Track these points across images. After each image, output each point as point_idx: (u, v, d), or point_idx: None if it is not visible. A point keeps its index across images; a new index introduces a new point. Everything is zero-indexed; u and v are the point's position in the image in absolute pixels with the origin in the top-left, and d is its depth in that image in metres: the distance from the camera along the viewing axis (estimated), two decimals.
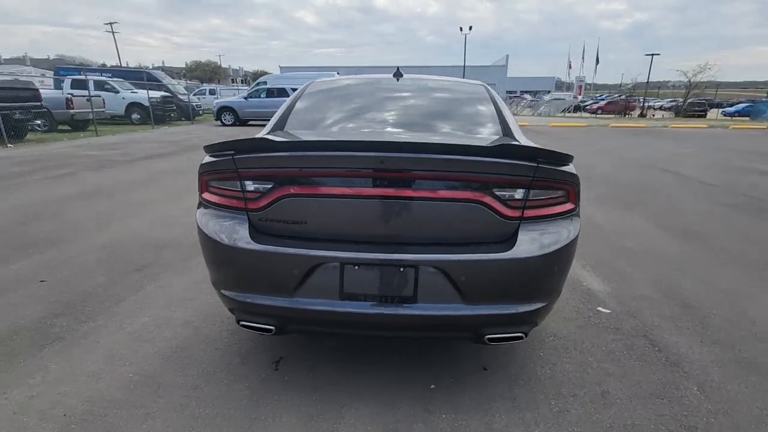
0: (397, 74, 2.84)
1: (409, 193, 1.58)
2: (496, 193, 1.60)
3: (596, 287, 2.92)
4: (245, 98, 16.57)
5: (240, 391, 1.85)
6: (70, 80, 15.54)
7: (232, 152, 1.64)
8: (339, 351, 2.15)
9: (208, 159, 1.72)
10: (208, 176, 1.75)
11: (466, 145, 1.61)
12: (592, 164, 8.20)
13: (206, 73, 79.00)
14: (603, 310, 2.62)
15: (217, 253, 1.71)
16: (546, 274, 1.67)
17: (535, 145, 1.64)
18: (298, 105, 2.50)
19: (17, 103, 10.38)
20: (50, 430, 1.62)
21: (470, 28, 33.57)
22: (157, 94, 16.61)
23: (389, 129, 2.23)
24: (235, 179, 1.67)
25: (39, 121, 11.93)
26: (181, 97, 19.03)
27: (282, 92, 15.98)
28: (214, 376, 1.95)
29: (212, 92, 24.67)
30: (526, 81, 53.80)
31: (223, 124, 16.43)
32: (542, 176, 1.61)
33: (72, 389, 1.85)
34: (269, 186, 1.64)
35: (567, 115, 30.00)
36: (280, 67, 48.60)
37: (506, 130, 2.21)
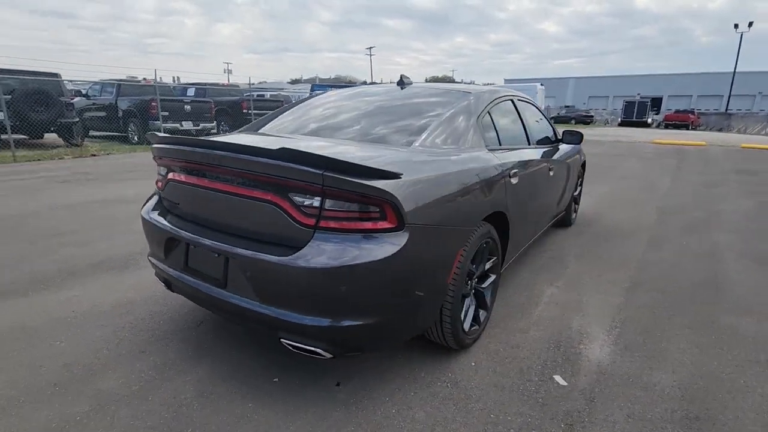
0: (400, 83, 2.86)
1: (222, 187, 1.75)
2: (292, 197, 1.60)
3: (593, 354, 2.22)
4: None
5: (154, 329, 2.37)
6: (316, 93, 19.90)
7: (154, 143, 2.15)
8: None
9: None
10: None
11: (254, 146, 1.64)
12: None
13: None
14: (559, 380, 2.02)
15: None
16: (334, 290, 1.56)
17: (325, 154, 1.54)
18: (288, 111, 2.85)
19: (265, 111, 14.02)
20: (56, 314, 2.50)
21: (750, 24, 25.82)
22: None
23: (309, 134, 2.35)
24: (157, 165, 2.18)
25: None
26: None
27: None
28: (157, 314, 2.53)
29: None
30: None
31: None
32: (335, 186, 1.52)
33: (95, 297, 2.74)
34: (165, 171, 2.08)
35: None
36: (504, 80, 48.70)
37: (421, 142, 2.04)
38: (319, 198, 1.56)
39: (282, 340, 1.68)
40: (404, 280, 1.64)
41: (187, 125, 11.54)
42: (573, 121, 34.95)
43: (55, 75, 10.12)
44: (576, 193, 4.69)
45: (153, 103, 10.87)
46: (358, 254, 1.53)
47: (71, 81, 16.49)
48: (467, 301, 2.17)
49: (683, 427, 1.74)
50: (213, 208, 1.84)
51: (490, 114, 2.55)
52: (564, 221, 4.42)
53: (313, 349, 1.64)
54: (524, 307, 2.75)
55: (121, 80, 12.53)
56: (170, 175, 2.03)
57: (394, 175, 1.57)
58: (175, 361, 2.10)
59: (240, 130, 2.72)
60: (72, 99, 12.60)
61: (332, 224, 1.56)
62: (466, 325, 2.15)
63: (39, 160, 8.49)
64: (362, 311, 1.60)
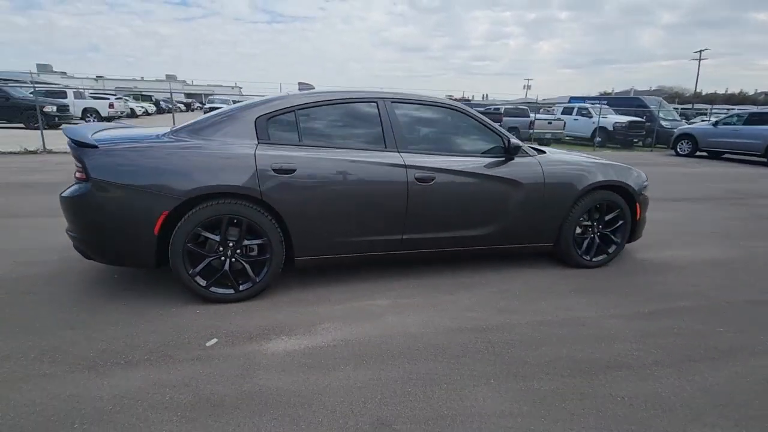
0: (300, 87, 3.41)
1: None
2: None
3: (275, 346, 2.28)
4: (713, 124, 13.25)
5: None
6: (575, 107, 18.78)
7: None
8: None
9: None
10: None
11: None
12: None
13: None
14: (211, 342, 2.30)
15: None
16: (66, 212, 2.59)
17: (80, 132, 2.52)
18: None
19: None
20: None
21: None
22: (623, 119, 16.59)
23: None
24: None
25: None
26: (663, 123, 17.60)
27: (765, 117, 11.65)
28: None
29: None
30: None
31: (677, 154, 14.09)
32: (72, 152, 2.55)
33: None
34: None
35: None
36: None
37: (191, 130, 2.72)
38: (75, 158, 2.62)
39: None
40: (94, 216, 2.48)
41: None
42: None
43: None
44: (607, 229, 3.54)
45: None
46: (71, 192, 2.51)
47: None
48: (208, 260, 2.66)
49: (209, 415, 1.83)
50: None
51: (296, 114, 2.79)
52: (561, 256, 3.49)
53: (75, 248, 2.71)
54: (311, 297, 2.82)
55: None
56: None
57: (91, 146, 2.44)
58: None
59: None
60: None
61: (77, 174, 2.59)
62: (203, 281, 2.65)
63: None
64: (77, 229, 2.57)
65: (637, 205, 3.57)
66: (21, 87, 17.79)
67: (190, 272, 2.63)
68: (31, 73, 18.50)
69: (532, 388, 1.98)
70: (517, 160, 3.21)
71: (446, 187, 2.99)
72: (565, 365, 2.17)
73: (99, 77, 56.44)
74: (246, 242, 2.71)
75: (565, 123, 16.76)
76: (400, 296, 2.92)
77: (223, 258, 2.70)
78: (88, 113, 20.81)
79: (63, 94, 20.38)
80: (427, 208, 2.99)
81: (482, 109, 17.38)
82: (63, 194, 2.59)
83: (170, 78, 79.01)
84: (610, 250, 3.59)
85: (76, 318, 2.49)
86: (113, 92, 29.41)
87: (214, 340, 2.32)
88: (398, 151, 2.93)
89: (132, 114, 28.28)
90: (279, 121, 2.79)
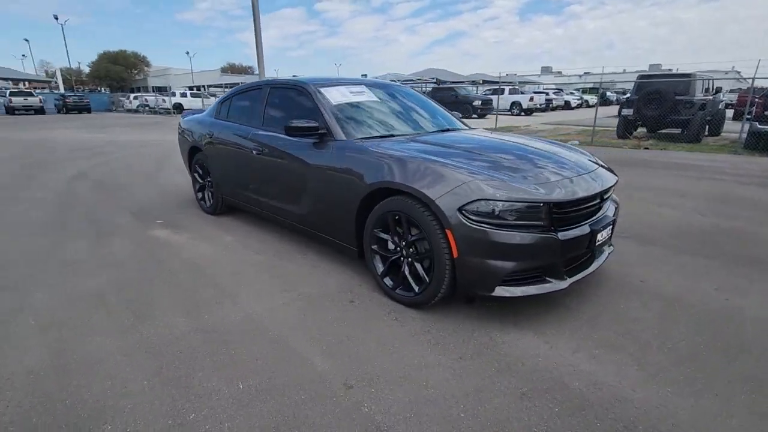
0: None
1: None
2: None
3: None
4: None
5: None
6: None
7: None
8: None
9: None
10: None
11: None
12: None
13: None
14: (159, 220, 4.37)
15: None
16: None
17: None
18: None
19: None
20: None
21: None
22: None
23: None
24: None
25: None
26: None
27: None
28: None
29: None
30: None
31: None
32: None
33: None
34: None
35: None
36: None
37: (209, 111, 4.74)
38: None
39: None
40: (181, 148, 5.00)
41: None
42: None
43: (688, 75, 10.71)
44: (415, 257, 2.55)
45: None
46: None
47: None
48: (198, 184, 4.65)
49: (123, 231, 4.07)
50: None
51: (232, 100, 4.06)
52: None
53: None
54: (222, 222, 4.17)
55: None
56: None
57: (181, 116, 4.94)
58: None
59: None
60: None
61: None
62: (199, 194, 4.71)
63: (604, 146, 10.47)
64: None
65: (448, 233, 2.23)
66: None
67: (196, 187, 4.76)
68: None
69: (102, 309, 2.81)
70: (328, 143, 2.98)
71: (266, 161, 3.43)
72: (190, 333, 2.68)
73: (586, 73, 62.24)
74: (208, 179, 4.48)
75: None
76: (245, 244, 3.73)
77: (203, 184, 4.61)
78: (513, 106, 25.24)
79: (501, 92, 25.38)
80: (262, 176, 3.57)
81: None
82: None
83: (654, 67, 73.98)
84: (417, 289, 2.48)
85: (180, 203, 5.25)
86: (556, 88, 33.49)
87: (161, 221, 4.38)
88: (256, 128, 3.64)
89: (566, 106, 31.31)
90: (224, 104, 4.25)
